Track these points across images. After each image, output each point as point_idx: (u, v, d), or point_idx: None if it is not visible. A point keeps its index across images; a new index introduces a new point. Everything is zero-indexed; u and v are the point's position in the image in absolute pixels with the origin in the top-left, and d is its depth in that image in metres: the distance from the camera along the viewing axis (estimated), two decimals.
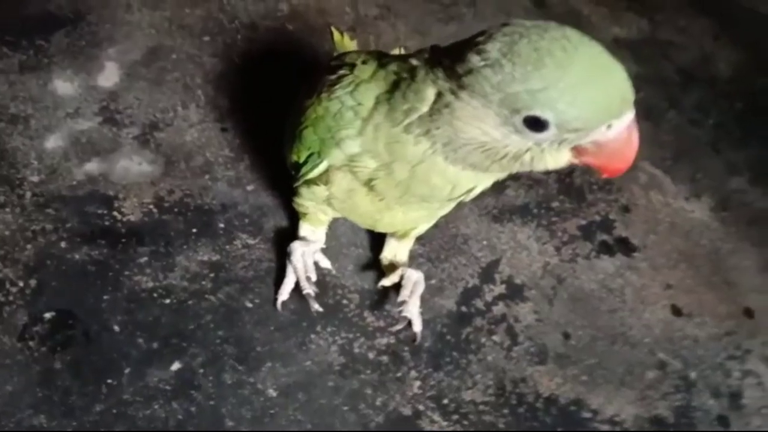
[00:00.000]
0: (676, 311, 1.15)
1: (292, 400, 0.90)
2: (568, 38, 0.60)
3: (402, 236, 1.02)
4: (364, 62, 0.79)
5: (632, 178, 1.34)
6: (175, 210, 1.04)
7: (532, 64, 0.59)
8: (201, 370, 0.89)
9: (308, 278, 0.95)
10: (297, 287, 0.96)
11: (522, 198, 1.23)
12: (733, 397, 1.07)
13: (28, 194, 1.00)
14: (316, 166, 0.82)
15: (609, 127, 0.62)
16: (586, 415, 1.00)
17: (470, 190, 0.77)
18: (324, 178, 0.85)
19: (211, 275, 0.98)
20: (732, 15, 1.87)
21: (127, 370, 0.87)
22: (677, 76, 1.61)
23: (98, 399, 0.84)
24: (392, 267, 1.03)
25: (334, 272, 1.01)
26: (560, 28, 0.61)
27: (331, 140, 0.78)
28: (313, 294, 0.94)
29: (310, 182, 0.88)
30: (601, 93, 0.60)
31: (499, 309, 1.07)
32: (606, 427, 0.99)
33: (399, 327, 0.97)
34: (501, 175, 0.78)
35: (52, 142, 1.06)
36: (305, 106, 0.83)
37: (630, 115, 0.63)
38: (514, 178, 1.25)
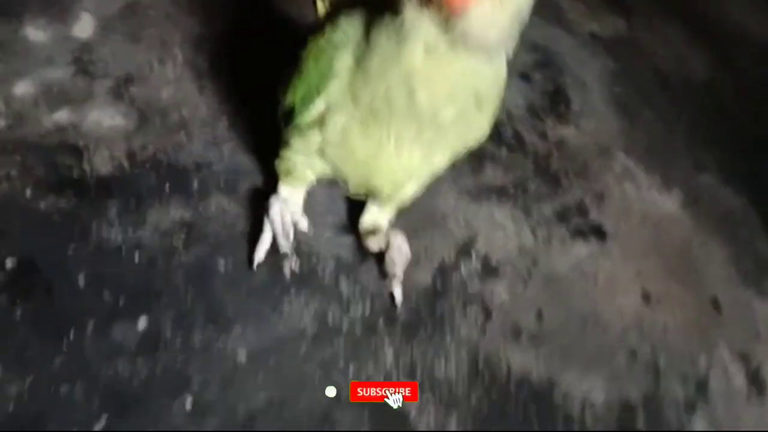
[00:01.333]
0: (647, 298, 1.16)
1: (262, 365, 0.87)
2: None
3: (386, 200, 0.99)
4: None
5: (607, 167, 1.35)
6: (147, 166, 0.99)
7: None
8: (169, 329, 0.85)
9: (286, 235, 0.92)
10: (271, 249, 0.93)
11: (500, 179, 1.23)
12: (699, 385, 1.08)
13: None
14: (312, 102, 0.80)
15: None
16: (557, 396, 0.99)
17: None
18: (319, 120, 0.82)
19: (183, 233, 0.94)
20: (706, 21, 1.91)
21: (90, 326, 0.82)
22: (653, 75, 1.63)
23: (58, 353, 0.79)
24: (370, 234, 1.00)
25: (310, 236, 0.98)
26: None
27: (330, 72, 0.78)
28: (290, 253, 0.91)
29: (303, 130, 0.85)
30: None
31: (474, 286, 1.06)
32: (576, 410, 0.99)
33: (393, 290, 0.96)
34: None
35: (21, 89, 1.01)
36: (308, 40, 0.82)
37: None
38: (493, 158, 1.25)
